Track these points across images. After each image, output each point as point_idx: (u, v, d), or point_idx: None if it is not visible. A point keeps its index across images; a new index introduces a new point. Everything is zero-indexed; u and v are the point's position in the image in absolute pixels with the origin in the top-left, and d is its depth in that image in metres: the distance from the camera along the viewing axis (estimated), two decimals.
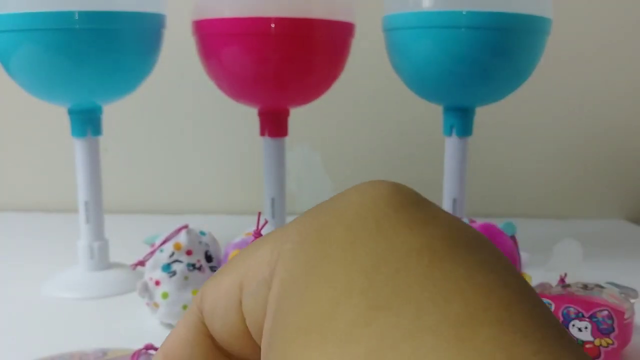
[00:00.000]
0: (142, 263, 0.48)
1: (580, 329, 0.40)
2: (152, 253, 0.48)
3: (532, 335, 0.12)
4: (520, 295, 0.13)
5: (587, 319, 0.40)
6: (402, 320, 0.12)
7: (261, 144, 0.64)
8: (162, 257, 0.48)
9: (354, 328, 0.12)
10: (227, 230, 0.66)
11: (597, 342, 0.39)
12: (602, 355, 0.39)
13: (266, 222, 0.32)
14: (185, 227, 0.49)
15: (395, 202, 0.15)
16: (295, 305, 0.14)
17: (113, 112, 0.63)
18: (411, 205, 0.15)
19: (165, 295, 0.47)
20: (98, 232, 0.59)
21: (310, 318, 0.13)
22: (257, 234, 0.33)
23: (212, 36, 0.59)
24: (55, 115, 0.68)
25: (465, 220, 0.50)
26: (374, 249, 0.14)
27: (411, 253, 0.13)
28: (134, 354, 0.35)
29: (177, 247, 0.48)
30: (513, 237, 0.49)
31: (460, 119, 0.61)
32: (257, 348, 0.17)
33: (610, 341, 0.39)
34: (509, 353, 0.11)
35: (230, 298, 0.17)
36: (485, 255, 0.14)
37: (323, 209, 0.16)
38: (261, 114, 0.63)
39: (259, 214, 0.31)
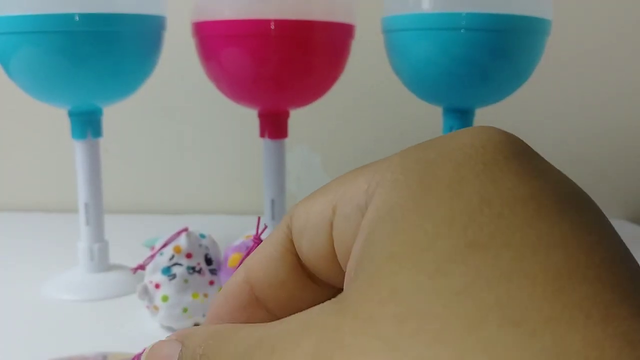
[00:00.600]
0: (142, 267, 0.48)
1: None
2: (152, 256, 0.48)
3: (632, 298, 0.12)
4: (622, 258, 0.13)
5: None
6: (499, 262, 0.12)
7: (261, 146, 0.64)
8: (162, 260, 0.48)
9: (449, 262, 0.12)
10: (227, 231, 0.66)
11: None
12: None
13: (265, 227, 0.32)
14: (185, 230, 0.49)
15: (506, 149, 0.15)
16: (390, 232, 0.14)
17: (114, 113, 0.63)
18: (522, 155, 0.15)
19: (165, 299, 0.47)
20: (98, 234, 0.59)
21: (404, 246, 0.13)
22: (257, 239, 0.33)
23: (211, 38, 0.59)
24: (55, 116, 0.68)
25: None
26: (479, 190, 0.13)
27: (517, 200, 0.13)
28: (133, 358, 0.35)
29: (177, 250, 0.48)
30: None
31: (460, 121, 0.61)
32: (342, 272, 0.17)
33: None
34: (606, 312, 0.11)
35: (322, 219, 0.17)
36: (590, 215, 0.14)
37: (430, 146, 0.16)
38: (261, 116, 0.63)
39: (259, 219, 0.31)
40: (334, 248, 0.17)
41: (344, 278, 0.17)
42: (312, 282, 0.18)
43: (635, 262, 0.13)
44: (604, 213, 0.15)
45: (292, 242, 0.18)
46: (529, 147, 0.16)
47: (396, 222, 0.14)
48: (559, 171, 0.15)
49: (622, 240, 0.14)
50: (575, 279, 0.12)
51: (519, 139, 0.16)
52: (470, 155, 0.14)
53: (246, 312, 0.19)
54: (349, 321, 0.12)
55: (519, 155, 0.15)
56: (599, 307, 0.11)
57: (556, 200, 0.14)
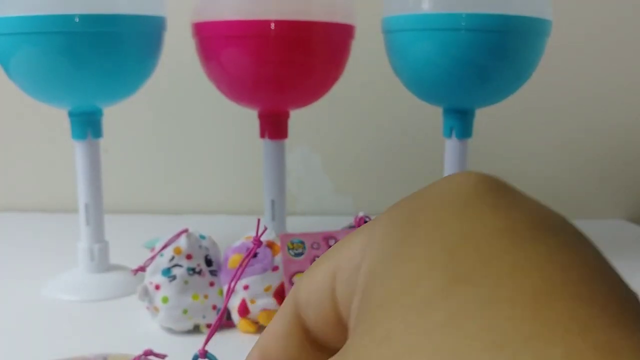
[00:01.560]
0: (142, 268, 0.48)
1: None
2: (152, 258, 0.48)
3: (610, 310, 0.12)
4: (601, 273, 0.13)
5: None
6: (480, 291, 0.13)
7: (261, 146, 0.64)
8: (162, 261, 0.48)
9: (433, 299, 0.13)
10: (227, 231, 0.66)
11: None
12: None
13: (265, 228, 0.32)
14: (185, 231, 0.49)
15: (481, 188, 0.16)
16: (380, 281, 0.15)
17: (114, 113, 0.63)
18: (496, 192, 0.16)
19: (165, 300, 0.47)
20: (98, 234, 0.59)
21: (393, 292, 0.14)
22: (257, 241, 0.33)
23: (211, 38, 0.59)
24: (55, 117, 0.68)
25: None
26: (457, 229, 0.14)
27: (493, 233, 0.14)
28: None
29: (177, 251, 0.48)
30: None
31: (460, 121, 0.61)
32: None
33: None
34: (585, 324, 0.11)
35: (324, 287, 0.18)
36: (567, 237, 0.14)
37: (413, 197, 0.17)
38: (261, 116, 0.63)
39: (258, 220, 0.31)
40: (338, 313, 0.18)
41: None
42: (323, 353, 0.19)
43: (615, 275, 0.14)
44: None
45: (299, 316, 0.19)
46: (504, 183, 0.16)
47: (385, 273, 0.15)
48: (534, 201, 0.16)
49: (601, 256, 0.14)
50: (553, 298, 0.12)
51: (494, 178, 0.17)
52: (448, 200, 0.16)
53: None
54: None
55: (493, 192, 0.16)
56: (577, 321, 0.12)
57: (530, 228, 0.14)
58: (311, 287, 0.18)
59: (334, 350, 0.18)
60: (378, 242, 0.16)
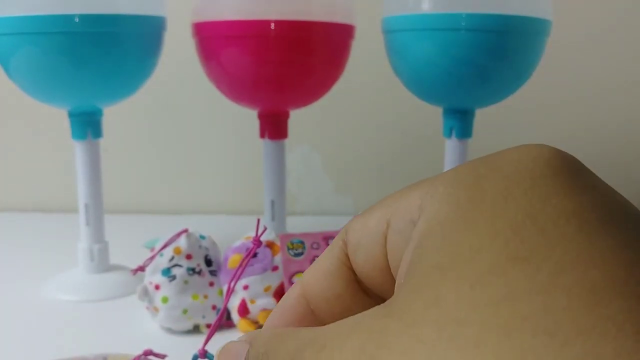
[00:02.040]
0: (142, 268, 0.48)
1: None
2: (152, 258, 0.48)
3: None
4: None
5: None
6: (538, 275, 0.12)
7: (261, 146, 0.64)
8: (162, 261, 0.48)
9: (489, 274, 0.13)
10: (227, 232, 0.66)
11: None
12: None
13: (265, 228, 0.32)
14: (185, 231, 0.49)
15: (555, 165, 0.15)
16: (438, 243, 0.14)
17: (114, 113, 0.63)
18: (571, 171, 0.15)
19: (165, 300, 0.47)
20: (98, 235, 0.59)
21: (450, 257, 0.14)
22: (257, 241, 0.33)
23: (211, 38, 0.59)
24: (55, 117, 0.68)
25: None
26: (524, 205, 0.14)
27: (561, 216, 0.14)
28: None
29: (177, 251, 0.48)
30: None
31: (460, 121, 0.61)
32: (395, 284, 0.17)
33: None
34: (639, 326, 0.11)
35: (376, 232, 0.17)
36: (635, 231, 0.14)
37: (481, 162, 0.16)
38: (261, 116, 0.63)
39: (258, 220, 0.31)
40: (387, 261, 0.17)
41: None
42: (367, 296, 0.19)
43: None
44: None
45: (347, 256, 0.18)
46: (579, 162, 0.16)
47: (444, 234, 0.14)
48: (608, 186, 0.15)
49: None
50: (612, 294, 0.12)
51: (569, 155, 0.16)
52: (519, 171, 0.15)
53: (302, 325, 0.19)
54: (394, 323, 0.13)
55: (568, 170, 0.15)
56: (632, 322, 0.11)
57: (600, 216, 0.14)
58: (363, 230, 0.18)
59: (377, 296, 0.18)
60: (439, 200, 0.15)
